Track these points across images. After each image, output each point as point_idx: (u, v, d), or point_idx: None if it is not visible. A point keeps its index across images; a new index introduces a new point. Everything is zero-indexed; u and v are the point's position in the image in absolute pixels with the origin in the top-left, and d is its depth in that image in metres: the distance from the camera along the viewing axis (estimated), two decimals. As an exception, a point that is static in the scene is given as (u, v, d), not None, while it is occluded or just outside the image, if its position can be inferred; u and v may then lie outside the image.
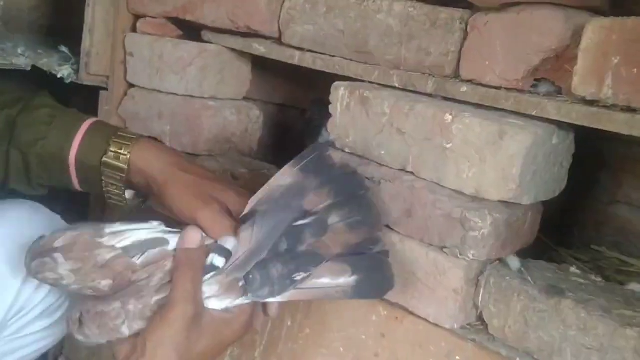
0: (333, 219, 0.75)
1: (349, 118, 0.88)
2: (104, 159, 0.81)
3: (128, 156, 0.80)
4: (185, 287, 0.69)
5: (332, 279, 0.73)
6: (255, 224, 0.73)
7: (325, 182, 0.76)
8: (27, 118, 0.81)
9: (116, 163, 0.81)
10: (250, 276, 0.71)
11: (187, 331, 0.67)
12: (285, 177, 0.76)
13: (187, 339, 0.67)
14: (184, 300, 0.68)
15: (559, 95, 0.77)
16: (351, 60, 0.93)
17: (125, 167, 0.80)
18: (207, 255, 0.72)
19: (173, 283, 0.69)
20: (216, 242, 0.73)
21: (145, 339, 0.67)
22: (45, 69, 1.23)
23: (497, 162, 0.74)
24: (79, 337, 0.70)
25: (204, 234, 0.73)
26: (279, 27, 1.01)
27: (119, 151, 0.80)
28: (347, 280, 0.73)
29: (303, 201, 0.75)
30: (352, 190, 0.77)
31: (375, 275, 0.76)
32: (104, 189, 0.83)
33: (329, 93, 0.90)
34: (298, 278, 0.72)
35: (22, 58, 1.24)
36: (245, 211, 0.75)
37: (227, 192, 0.78)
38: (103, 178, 0.82)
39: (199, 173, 0.81)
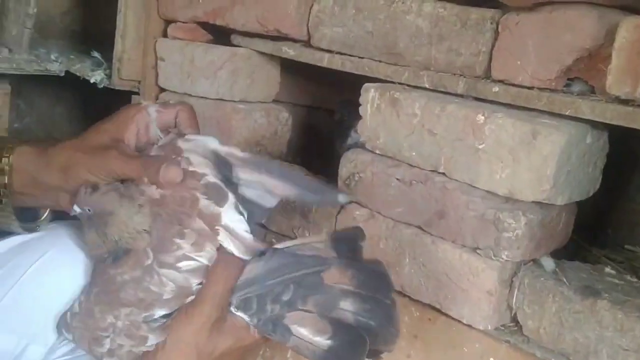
0: (345, 305, 0.68)
1: (379, 120, 0.88)
2: None
3: (10, 158, 0.75)
4: (216, 288, 0.69)
5: (309, 333, 0.68)
6: (266, 259, 0.71)
7: (351, 266, 0.70)
8: None
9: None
10: (247, 302, 0.70)
11: (210, 331, 0.68)
12: (316, 240, 0.74)
13: (209, 339, 0.68)
14: (211, 301, 0.69)
15: (593, 95, 0.76)
16: (380, 61, 0.94)
17: (7, 167, 0.75)
18: (244, 267, 0.71)
19: (206, 281, 0.69)
20: (257, 256, 0.71)
21: (167, 332, 0.68)
22: (78, 74, 1.26)
23: (530, 163, 0.73)
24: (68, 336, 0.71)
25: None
26: (308, 30, 1.02)
27: (2, 153, 0.75)
28: (321, 341, 0.68)
29: (324, 271, 0.69)
30: (378, 293, 0.70)
31: (349, 352, 0.68)
32: None
33: (357, 94, 0.90)
34: (286, 323, 0.69)
35: (55, 64, 1.27)
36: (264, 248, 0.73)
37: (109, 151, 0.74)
38: None
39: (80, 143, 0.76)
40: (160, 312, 0.69)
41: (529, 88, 0.78)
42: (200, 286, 0.69)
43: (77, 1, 1.59)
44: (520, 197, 0.75)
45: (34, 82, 1.46)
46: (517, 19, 0.78)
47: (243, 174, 0.74)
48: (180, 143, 0.74)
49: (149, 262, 0.68)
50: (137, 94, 1.22)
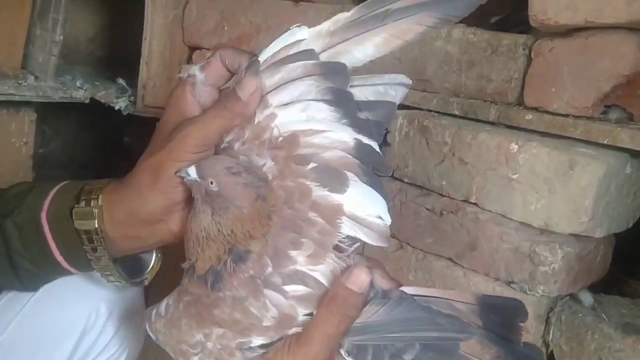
0: None
1: (407, 147, 0.86)
2: (75, 208, 0.66)
3: (99, 199, 0.65)
4: (328, 329, 0.57)
5: None
6: (391, 306, 0.58)
7: (499, 344, 0.57)
8: (3, 196, 0.70)
9: (87, 208, 0.66)
10: (361, 350, 0.58)
11: None
12: (457, 297, 0.59)
13: None
14: (320, 343, 0.56)
15: (631, 122, 0.74)
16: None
17: (97, 210, 0.65)
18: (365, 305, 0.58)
19: (317, 317, 0.57)
20: (380, 292, 0.58)
21: None
22: (103, 101, 1.26)
23: (567, 194, 0.70)
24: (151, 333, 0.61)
25: (371, 281, 0.57)
26: (334, 56, 1.00)
27: (90, 196, 0.66)
28: None
29: (463, 340, 0.57)
30: None
31: None
32: (85, 250, 0.66)
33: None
34: None
35: (80, 91, 1.27)
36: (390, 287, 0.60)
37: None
38: (82, 236, 0.66)
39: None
40: (257, 341, 0.57)
41: (564, 116, 0.75)
42: (308, 317, 0.57)
43: (102, 28, 1.61)
44: (556, 229, 0.72)
45: (59, 108, 1.46)
46: (551, 44, 0.76)
47: (358, 53, 0.58)
48: (254, 79, 0.58)
49: (263, 276, 0.56)
50: (161, 120, 1.22)
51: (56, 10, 1.25)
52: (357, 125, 0.58)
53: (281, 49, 0.59)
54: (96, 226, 0.64)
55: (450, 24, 0.56)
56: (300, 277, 0.57)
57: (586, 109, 0.74)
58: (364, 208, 0.58)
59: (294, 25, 0.58)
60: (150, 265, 0.73)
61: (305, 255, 0.56)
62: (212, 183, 0.56)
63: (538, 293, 0.73)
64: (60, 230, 0.66)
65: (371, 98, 0.60)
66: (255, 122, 0.59)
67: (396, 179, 0.88)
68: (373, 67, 0.92)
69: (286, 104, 0.58)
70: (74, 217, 0.65)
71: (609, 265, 0.82)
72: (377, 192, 0.58)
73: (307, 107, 0.58)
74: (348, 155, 0.58)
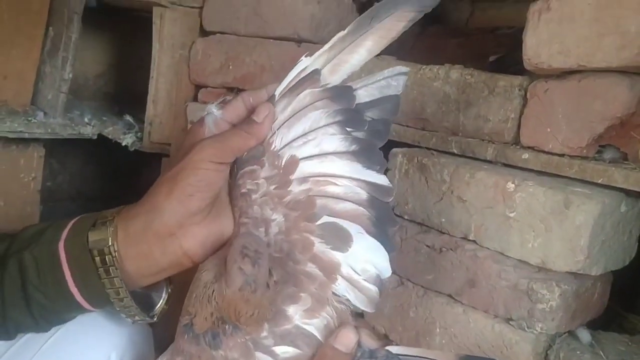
0: None
1: (407, 185, 0.87)
2: (90, 231, 0.67)
3: (115, 220, 0.67)
4: None
5: None
6: None
7: None
8: (21, 235, 0.71)
9: (102, 229, 0.67)
10: None
11: None
12: (440, 356, 0.62)
13: None
14: None
15: (625, 162, 0.75)
16: (408, 126, 0.94)
17: (112, 229, 0.66)
18: None
19: None
20: (367, 352, 0.60)
21: None
22: (110, 137, 1.28)
23: (563, 232, 0.72)
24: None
25: (359, 341, 0.60)
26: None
27: (106, 219, 0.67)
28: None
29: None
30: None
31: None
32: (99, 273, 0.66)
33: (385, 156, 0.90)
34: None
35: (88, 127, 1.29)
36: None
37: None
38: (95, 258, 0.66)
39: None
40: None
41: (559, 155, 0.77)
42: None
43: (110, 65, 1.64)
44: (553, 267, 0.73)
45: (67, 143, 1.49)
46: (546, 86, 0.78)
47: (354, 59, 0.65)
48: (267, 105, 0.64)
49: (256, 339, 0.58)
50: (167, 156, 1.24)
51: (66, 49, 1.28)
52: (365, 154, 0.64)
53: (292, 78, 0.65)
54: (109, 244, 0.65)
55: (424, 13, 0.64)
56: (291, 339, 0.59)
57: (581, 149, 0.76)
58: (364, 264, 0.61)
59: (302, 57, 0.65)
60: (161, 301, 0.74)
61: (303, 310, 0.59)
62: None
63: (536, 330, 0.73)
64: (76, 256, 0.67)
65: (376, 94, 0.66)
66: (281, 171, 0.63)
67: (397, 215, 0.89)
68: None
69: (302, 141, 0.64)
70: (89, 239, 0.67)
71: (607, 302, 0.83)
72: (382, 243, 0.62)
73: (321, 141, 0.64)
74: (360, 208, 0.63)
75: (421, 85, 0.91)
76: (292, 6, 1.06)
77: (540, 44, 0.76)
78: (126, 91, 1.62)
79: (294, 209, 0.62)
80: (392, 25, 0.64)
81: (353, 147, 0.64)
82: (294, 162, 0.63)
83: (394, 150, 0.90)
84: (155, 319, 0.73)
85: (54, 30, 1.33)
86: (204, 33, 1.21)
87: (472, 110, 0.86)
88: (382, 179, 0.64)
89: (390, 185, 0.64)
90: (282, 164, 0.64)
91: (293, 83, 0.65)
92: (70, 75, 1.29)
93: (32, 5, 1.33)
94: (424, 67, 0.92)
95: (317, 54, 0.65)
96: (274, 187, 0.63)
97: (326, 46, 0.65)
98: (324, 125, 0.64)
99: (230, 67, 1.14)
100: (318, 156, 0.64)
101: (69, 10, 1.28)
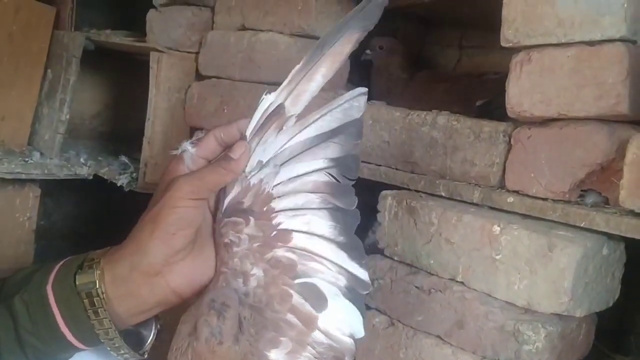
0: None
1: (397, 227, 0.90)
2: (77, 274, 0.68)
3: (100, 262, 0.68)
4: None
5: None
6: None
7: None
8: (10, 280, 0.73)
9: (88, 272, 0.68)
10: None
11: None
12: None
13: None
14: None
15: (607, 206, 0.77)
16: (397, 169, 0.97)
17: (98, 272, 0.68)
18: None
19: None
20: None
21: None
22: (106, 177, 1.30)
23: (547, 275, 0.74)
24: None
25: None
26: (327, 138, 1.05)
27: (92, 262, 0.69)
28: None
29: None
30: None
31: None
32: (88, 314, 0.68)
33: (374, 197, 0.92)
34: None
35: (84, 167, 1.32)
36: None
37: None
38: (84, 300, 0.68)
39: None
40: None
41: (543, 199, 0.79)
42: None
43: (106, 105, 1.67)
44: (538, 308, 0.75)
45: (62, 181, 1.51)
46: (529, 132, 0.81)
47: (312, 87, 0.68)
48: (243, 143, 0.67)
49: None
50: (162, 196, 1.25)
51: (64, 91, 1.32)
52: (350, 247, 0.68)
53: (260, 116, 0.68)
54: (97, 286, 0.67)
55: (368, 31, 0.67)
56: None
57: (563, 194, 0.78)
58: (338, 325, 0.65)
59: (264, 94, 0.68)
60: (150, 337, 0.75)
61: (285, 353, 0.62)
62: None
63: (523, 371, 0.75)
64: (64, 298, 0.69)
65: (341, 116, 0.68)
66: (270, 237, 0.66)
67: (387, 256, 0.91)
68: (364, 149, 0.98)
69: (292, 214, 0.67)
70: (76, 283, 0.68)
71: (592, 342, 0.84)
72: (356, 307, 0.67)
73: (310, 220, 0.67)
74: (338, 282, 0.67)
75: (410, 129, 0.94)
76: (286, 54, 1.10)
77: (522, 94, 0.79)
78: (121, 130, 1.65)
79: (275, 267, 0.65)
80: (341, 49, 0.67)
81: (340, 239, 0.68)
82: (287, 233, 0.67)
83: (384, 192, 0.92)
84: (145, 355, 0.75)
85: (53, 73, 1.36)
86: (199, 77, 1.25)
87: (459, 155, 0.89)
88: (363, 274, 0.68)
89: (369, 282, 0.68)
90: (272, 234, 0.66)
91: (262, 120, 0.68)
92: (68, 117, 1.32)
93: (31, 47, 1.36)
94: (412, 112, 0.95)
95: (278, 90, 0.68)
96: (257, 244, 0.66)
97: (285, 81, 0.68)
98: (316, 208, 0.68)
99: (225, 110, 1.17)
100: (307, 233, 0.67)
101: (67, 54, 1.32)
